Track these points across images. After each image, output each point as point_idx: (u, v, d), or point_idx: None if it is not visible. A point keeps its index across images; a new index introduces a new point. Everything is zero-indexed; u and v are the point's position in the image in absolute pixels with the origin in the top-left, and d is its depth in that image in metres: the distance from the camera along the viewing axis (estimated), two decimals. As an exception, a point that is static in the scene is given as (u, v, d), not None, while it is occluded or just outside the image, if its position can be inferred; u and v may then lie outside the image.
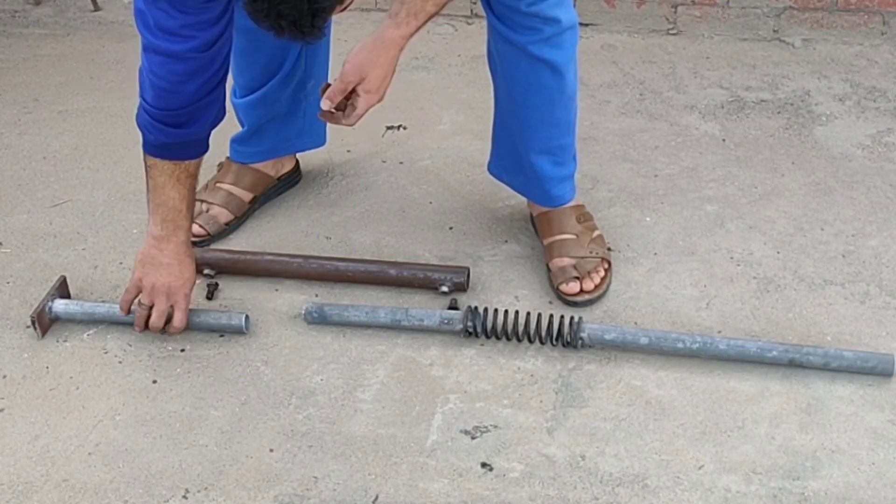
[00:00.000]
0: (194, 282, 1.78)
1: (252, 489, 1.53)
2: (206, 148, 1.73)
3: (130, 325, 1.80)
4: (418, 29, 1.60)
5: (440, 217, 2.11)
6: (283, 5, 1.29)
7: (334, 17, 2.03)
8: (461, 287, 1.87)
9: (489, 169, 2.02)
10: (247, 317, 1.80)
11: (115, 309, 1.80)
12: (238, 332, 1.80)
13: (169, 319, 1.75)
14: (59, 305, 1.83)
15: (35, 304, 1.87)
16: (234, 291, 1.91)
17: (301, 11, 1.30)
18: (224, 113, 1.72)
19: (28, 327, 1.83)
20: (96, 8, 3.06)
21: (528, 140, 1.85)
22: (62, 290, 1.86)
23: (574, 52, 1.79)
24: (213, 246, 2.00)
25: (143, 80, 1.64)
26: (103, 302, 1.85)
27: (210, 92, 1.63)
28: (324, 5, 1.31)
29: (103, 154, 2.35)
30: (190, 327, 1.79)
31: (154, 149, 1.67)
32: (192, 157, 1.70)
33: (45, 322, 1.81)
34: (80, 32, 2.95)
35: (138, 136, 1.69)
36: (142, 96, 1.65)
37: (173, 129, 1.64)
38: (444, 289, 1.86)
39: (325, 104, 1.64)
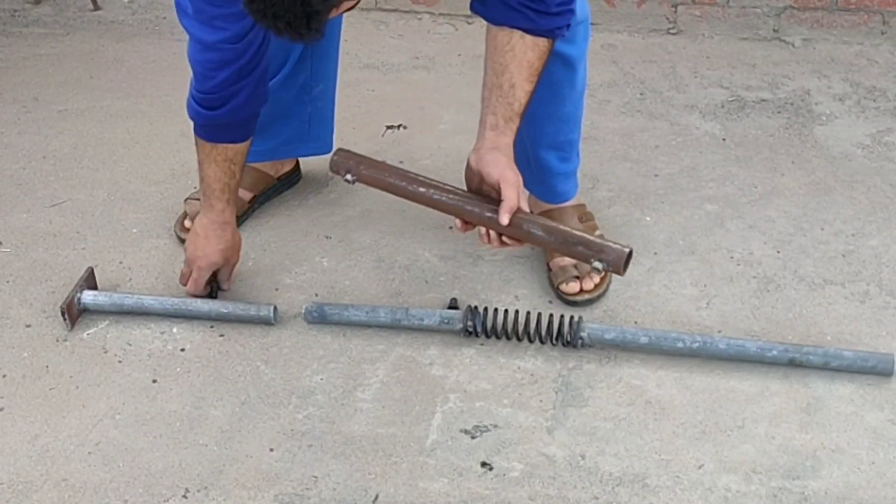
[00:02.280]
0: (223, 257, 1.85)
1: (252, 489, 1.53)
2: (244, 135, 1.78)
3: (144, 320, 1.83)
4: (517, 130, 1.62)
5: (440, 216, 2.08)
6: (277, 7, 1.29)
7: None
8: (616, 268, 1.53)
9: None
10: (275, 308, 1.81)
11: (143, 300, 1.83)
12: (266, 322, 1.82)
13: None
14: (88, 297, 1.83)
15: (35, 303, 1.88)
16: (234, 291, 1.91)
17: (295, 14, 1.30)
18: (259, 100, 1.74)
19: (28, 326, 1.83)
20: (96, 7, 3.06)
21: (536, 135, 1.86)
22: (90, 282, 1.87)
23: (585, 48, 1.80)
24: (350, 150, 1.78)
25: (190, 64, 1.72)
26: (131, 293, 1.87)
27: (239, 80, 1.68)
28: (318, 8, 1.30)
29: (103, 154, 2.35)
30: (219, 318, 1.83)
31: (197, 129, 1.76)
32: (229, 141, 1.76)
33: (74, 313, 1.82)
34: (79, 32, 2.95)
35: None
36: (192, 79, 1.74)
37: (206, 112, 1.72)
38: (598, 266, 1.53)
39: (505, 219, 1.53)
